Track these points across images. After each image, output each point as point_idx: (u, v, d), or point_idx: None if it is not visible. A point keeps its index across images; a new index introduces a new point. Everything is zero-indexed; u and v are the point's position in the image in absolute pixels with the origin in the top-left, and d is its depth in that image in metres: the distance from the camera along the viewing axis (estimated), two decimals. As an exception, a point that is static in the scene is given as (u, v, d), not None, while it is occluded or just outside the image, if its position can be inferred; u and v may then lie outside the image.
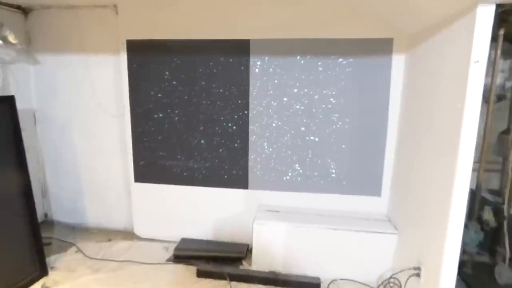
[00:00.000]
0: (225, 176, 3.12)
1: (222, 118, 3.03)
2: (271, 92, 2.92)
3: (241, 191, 3.11)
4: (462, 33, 1.78)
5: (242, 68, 2.92)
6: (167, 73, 3.03)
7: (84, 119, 3.36)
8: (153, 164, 3.20)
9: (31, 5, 3.22)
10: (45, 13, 3.24)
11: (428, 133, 2.19)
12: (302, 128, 2.93)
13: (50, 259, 2.92)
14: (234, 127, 3.03)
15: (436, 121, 2.08)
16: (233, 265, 2.89)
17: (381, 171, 2.86)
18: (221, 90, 2.99)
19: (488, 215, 2.40)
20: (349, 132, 2.86)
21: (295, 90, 2.88)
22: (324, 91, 2.83)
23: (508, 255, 2.23)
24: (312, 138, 2.93)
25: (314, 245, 2.71)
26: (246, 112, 2.98)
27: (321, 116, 2.88)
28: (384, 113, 2.77)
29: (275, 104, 2.94)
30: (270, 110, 2.96)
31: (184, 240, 3.18)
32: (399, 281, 2.37)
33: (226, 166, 3.10)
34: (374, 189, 2.89)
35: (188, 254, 2.97)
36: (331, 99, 2.84)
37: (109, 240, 3.31)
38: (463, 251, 2.29)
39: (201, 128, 3.07)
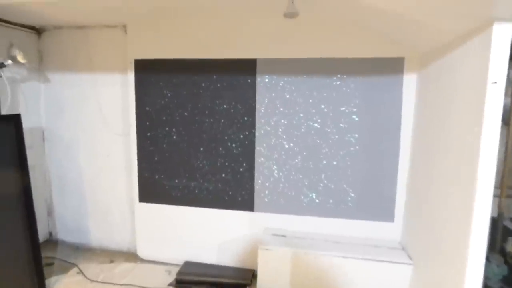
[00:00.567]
0: (230, 198, 3.02)
1: (226, 138, 2.96)
2: (281, 109, 2.84)
3: (246, 214, 3.00)
4: (477, 52, 1.69)
5: (249, 83, 2.86)
6: (173, 92, 3.01)
7: (90, 138, 3.36)
8: (158, 184, 3.14)
9: (44, 26, 3.30)
10: (57, 33, 3.30)
11: (444, 156, 2.05)
12: (313, 150, 2.81)
13: (51, 281, 2.86)
14: (239, 148, 2.95)
15: (451, 144, 1.96)
16: (237, 292, 2.76)
17: (393, 194, 2.71)
18: (225, 106, 2.93)
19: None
20: (360, 154, 2.74)
21: (305, 109, 2.79)
22: (334, 112, 2.73)
23: (535, 291, 2.04)
24: (323, 160, 2.81)
25: (322, 273, 2.56)
26: (252, 131, 2.91)
27: (331, 137, 2.77)
28: (396, 134, 2.65)
29: (285, 122, 2.85)
30: (280, 130, 2.86)
31: (187, 264, 3.07)
32: (414, 317, 2.20)
33: (231, 189, 3.01)
34: (386, 214, 2.74)
35: (191, 279, 2.86)
36: (341, 119, 2.73)
37: (112, 261, 3.24)
38: (485, 286, 2.11)
39: (205, 148, 3.01)
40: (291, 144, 2.86)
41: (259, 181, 2.94)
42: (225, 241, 3.07)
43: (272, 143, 2.89)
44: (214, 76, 2.91)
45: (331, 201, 2.83)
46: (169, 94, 3.02)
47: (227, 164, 2.98)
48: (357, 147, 2.73)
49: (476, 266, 1.69)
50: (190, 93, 2.98)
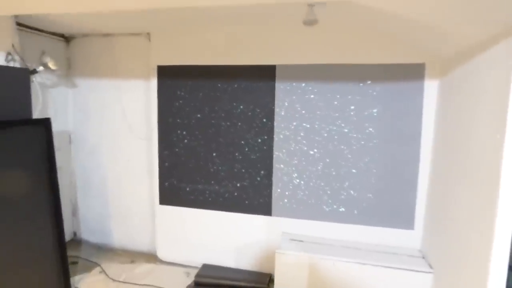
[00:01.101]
0: (248, 202, 3.06)
1: (244, 142, 3.00)
2: (302, 112, 2.86)
3: (264, 218, 3.03)
4: (500, 58, 1.67)
5: (268, 89, 2.90)
6: (193, 97, 3.08)
7: (113, 141, 3.48)
8: (178, 187, 3.21)
9: (73, 34, 3.46)
10: (84, 40, 3.45)
11: (465, 164, 2.03)
12: (334, 156, 2.81)
13: (75, 279, 2.97)
14: (257, 154, 2.99)
15: (473, 151, 1.93)
16: (255, 295, 2.79)
17: (414, 202, 2.68)
18: (244, 111, 2.98)
19: (536, 256, 2.16)
20: (380, 160, 2.72)
21: (325, 114, 2.80)
22: (354, 118, 2.74)
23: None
24: (342, 166, 2.80)
25: (340, 279, 2.55)
26: (270, 140, 2.95)
27: (352, 144, 2.77)
28: (417, 141, 2.62)
29: (307, 126, 2.86)
30: (300, 135, 2.88)
31: (205, 266, 3.12)
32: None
33: (249, 194, 3.05)
34: (406, 221, 2.70)
35: (209, 281, 2.90)
36: (361, 126, 2.73)
37: (133, 261, 3.33)
38: (508, 296, 2.06)
39: (224, 153, 3.06)
40: (312, 150, 2.87)
41: (278, 190, 2.97)
42: (242, 244, 3.11)
43: (292, 149, 2.91)
44: (234, 82, 2.97)
45: (350, 207, 2.82)
46: (190, 99, 3.09)
47: (245, 169, 3.03)
48: (377, 154, 2.72)
49: (498, 275, 1.65)
50: (211, 99, 3.04)
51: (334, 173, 2.84)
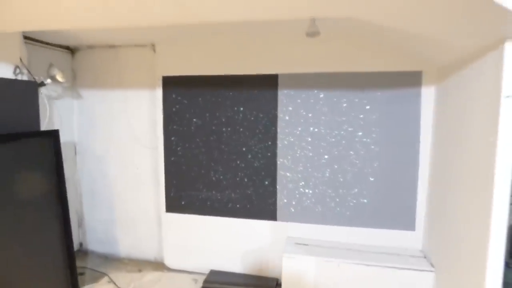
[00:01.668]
0: (253, 208, 3.13)
1: (248, 150, 3.08)
2: (301, 121, 2.96)
3: (270, 223, 3.10)
4: (491, 67, 1.79)
5: (271, 97, 3.00)
6: (197, 106, 3.17)
7: (119, 151, 3.54)
8: (184, 195, 3.28)
9: (78, 46, 3.53)
10: (89, 52, 3.53)
11: (461, 166, 2.14)
12: (336, 161, 2.91)
13: (84, 289, 3.00)
14: (261, 161, 3.07)
15: (468, 154, 2.05)
16: (262, 300, 2.85)
17: (414, 204, 2.79)
18: (249, 118, 3.06)
19: (531, 252, 2.27)
20: (381, 165, 2.83)
21: (326, 122, 2.91)
22: (354, 124, 2.85)
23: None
24: (345, 171, 2.90)
25: (345, 281, 2.63)
26: (274, 147, 3.04)
27: (354, 149, 2.87)
28: (416, 145, 2.74)
29: (311, 132, 2.95)
30: (309, 138, 2.95)
31: (212, 272, 3.17)
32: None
33: (254, 200, 3.12)
34: (407, 222, 2.81)
35: (217, 287, 2.96)
36: (362, 132, 2.84)
37: (140, 270, 3.36)
38: (506, 291, 2.16)
39: (229, 160, 3.14)
40: (317, 156, 2.95)
41: (284, 201, 3.06)
42: (249, 250, 3.17)
43: (297, 155, 3.00)
44: (238, 91, 3.06)
45: (353, 210, 2.91)
46: (194, 109, 3.18)
47: (249, 176, 3.11)
48: (378, 158, 2.83)
49: (495, 271, 1.76)
50: (214, 107, 3.13)
51: (338, 178, 2.93)
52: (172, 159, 3.27)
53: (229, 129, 3.12)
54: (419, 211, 2.78)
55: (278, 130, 3.01)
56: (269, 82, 2.99)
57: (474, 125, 1.99)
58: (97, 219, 3.69)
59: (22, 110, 2.72)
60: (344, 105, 2.85)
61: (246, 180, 3.12)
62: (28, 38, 2.97)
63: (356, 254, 2.72)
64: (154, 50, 3.26)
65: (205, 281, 3.03)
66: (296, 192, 3.02)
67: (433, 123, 2.68)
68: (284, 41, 2.90)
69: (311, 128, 2.94)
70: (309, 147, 2.96)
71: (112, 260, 3.57)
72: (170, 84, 3.21)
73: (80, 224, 3.73)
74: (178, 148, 3.25)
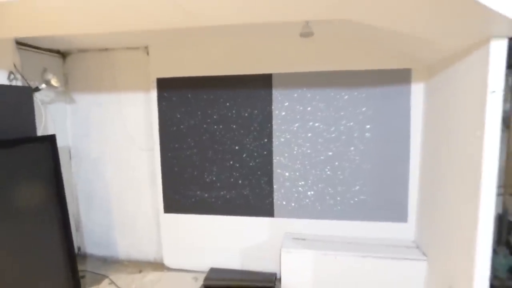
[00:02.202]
0: (251, 206, 3.20)
1: (245, 148, 3.14)
2: (297, 117, 3.03)
3: (267, 219, 3.18)
4: (477, 65, 1.89)
5: (266, 95, 3.07)
6: (193, 107, 3.21)
7: (115, 154, 3.55)
8: (181, 195, 3.32)
9: (69, 49, 3.51)
10: (81, 56, 3.51)
11: (450, 159, 2.25)
12: (330, 157, 3.00)
13: (85, 292, 3.02)
14: (257, 160, 3.14)
15: (457, 147, 2.15)
16: (263, 294, 2.92)
17: (406, 197, 2.90)
18: (245, 116, 3.12)
19: (517, 239, 2.40)
20: (373, 160, 2.93)
21: (320, 119, 2.99)
22: (347, 120, 2.94)
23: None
24: (338, 166, 3.00)
25: (343, 272, 2.73)
26: (270, 144, 3.10)
27: (345, 144, 2.96)
28: (406, 140, 2.85)
29: (307, 129, 3.02)
30: (303, 135, 3.03)
31: (212, 270, 3.23)
32: (432, 309, 2.36)
33: (252, 198, 3.19)
34: (400, 215, 2.92)
35: (218, 284, 3.02)
36: (354, 128, 2.94)
37: (140, 271, 3.40)
38: (494, 277, 2.27)
39: (226, 160, 3.20)
40: (314, 153, 3.03)
41: (280, 200, 3.14)
42: (247, 246, 3.24)
43: (295, 152, 3.07)
44: (233, 91, 3.11)
45: (348, 205, 3.01)
46: (188, 109, 3.22)
47: (246, 175, 3.17)
48: (371, 153, 2.93)
49: (484, 258, 1.87)
50: (209, 107, 3.17)
51: (334, 174, 3.01)
52: (169, 160, 3.31)
53: (224, 128, 3.17)
54: (411, 203, 2.90)
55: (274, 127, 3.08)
56: (264, 82, 3.05)
57: (462, 119, 2.09)
58: (95, 223, 3.69)
59: (18, 116, 2.71)
60: (336, 103, 2.94)
61: (242, 179, 3.18)
62: (20, 43, 2.95)
63: (352, 247, 2.82)
64: (148, 53, 3.28)
65: (206, 279, 3.09)
66: (294, 190, 3.10)
67: (422, 119, 2.79)
68: (277, 41, 2.96)
69: (304, 127, 3.03)
70: (307, 144, 3.03)
71: (111, 263, 3.58)
72: (165, 86, 3.24)
73: (78, 228, 3.73)
74: (174, 149, 3.28)
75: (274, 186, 3.13)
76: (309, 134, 3.01)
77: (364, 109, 2.90)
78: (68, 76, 3.57)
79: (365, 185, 2.97)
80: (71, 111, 3.61)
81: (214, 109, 3.17)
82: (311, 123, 3.00)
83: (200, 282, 3.09)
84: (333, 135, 2.98)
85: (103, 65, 3.46)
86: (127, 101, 3.44)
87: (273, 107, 3.06)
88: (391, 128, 2.87)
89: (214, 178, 3.25)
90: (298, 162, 3.06)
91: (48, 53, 3.39)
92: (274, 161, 3.10)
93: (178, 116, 3.25)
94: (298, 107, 3.01)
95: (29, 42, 3.09)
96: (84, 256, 3.72)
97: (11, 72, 2.77)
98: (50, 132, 3.24)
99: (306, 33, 2.39)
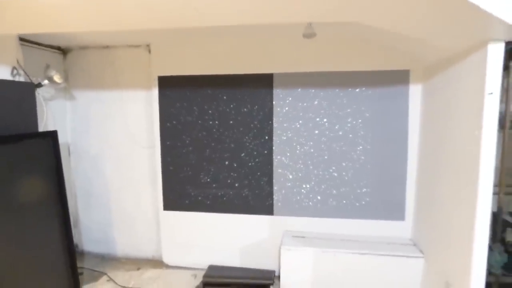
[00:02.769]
0: (250, 203, 3.24)
1: (245, 146, 3.18)
2: (300, 115, 3.07)
3: (266, 217, 3.21)
4: (475, 67, 1.95)
5: (267, 95, 3.11)
6: (194, 105, 3.24)
7: (115, 151, 3.55)
8: (181, 193, 3.34)
9: (70, 46, 3.52)
10: (82, 53, 3.52)
11: (448, 158, 2.31)
12: (330, 156, 3.05)
13: (84, 288, 3.02)
14: (256, 159, 3.18)
15: (454, 147, 2.21)
16: (262, 291, 2.95)
17: (403, 195, 2.96)
18: (246, 117, 3.16)
19: (510, 236, 2.47)
20: (372, 159, 2.99)
21: (316, 119, 3.05)
22: (347, 120, 2.99)
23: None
24: (338, 166, 3.05)
25: (342, 270, 2.78)
26: (270, 143, 3.14)
27: (344, 144, 3.02)
28: (404, 140, 2.91)
29: (309, 127, 3.07)
30: (306, 134, 3.07)
31: (211, 267, 3.25)
32: (429, 304, 2.41)
33: (251, 196, 3.23)
34: (397, 213, 2.98)
35: (217, 281, 3.04)
36: (354, 127, 2.99)
37: (139, 268, 3.40)
38: (489, 273, 2.34)
39: (226, 157, 3.23)
40: (316, 152, 3.08)
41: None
42: (246, 244, 3.27)
43: (297, 152, 3.11)
44: (234, 90, 3.15)
45: (347, 203, 3.07)
46: (189, 107, 3.24)
47: (247, 172, 3.21)
48: (370, 153, 2.99)
49: (480, 255, 1.93)
50: (209, 106, 3.21)
51: (333, 173, 3.07)
52: (169, 157, 3.33)
53: (225, 126, 3.21)
54: (408, 202, 2.96)
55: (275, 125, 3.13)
56: (265, 81, 3.09)
57: (459, 120, 2.15)
58: (93, 220, 3.69)
59: (20, 111, 2.71)
60: (336, 103, 3.00)
61: (242, 176, 3.22)
62: (22, 39, 2.96)
63: (351, 244, 2.87)
64: (149, 51, 3.30)
65: (205, 275, 3.10)
66: (295, 190, 3.14)
67: (420, 119, 2.86)
68: (278, 41, 3.01)
69: (307, 125, 3.08)
70: (310, 143, 3.08)
71: (109, 260, 3.58)
72: (166, 84, 3.26)
73: (75, 225, 3.72)
74: (175, 147, 3.31)
75: (274, 186, 3.17)
76: (311, 133, 3.06)
77: (362, 109, 2.96)
78: (69, 72, 3.57)
79: (363, 184, 3.02)
80: (71, 107, 3.61)
81: (214, 107, 3.21)
82: (310, 124, 3.06)
83: (199, 279, 3.10)
84: (331, 134, 3.03)
85: (104, 63, 3.47)
86: (128, 99, 3.46)
87: (274, 104, 3.11)
88: (389, 128, 2.93)
89: (214, 176, 3.27)
90: (300, 161, 3.11)
91: (49, 49, 3.39)
92: (276, 158, 3.15)
93: (179, 114, 3.27)
94: (300, 104, 3.06)
95: (32, 39, 3.10)
96: (82, 253, 3.71)
97: (14, 68, 2.76)
98: (49, 128, 3.24)
99: (309, 34, 2.44)
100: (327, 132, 3.04)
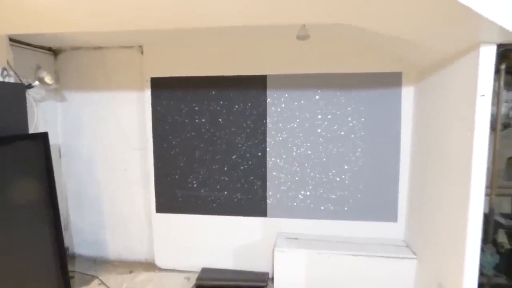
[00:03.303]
0: (244, 205, 3.22)
1: (238, 148, 3.17)
2: (293, 117, 3.07)
3: (260, 219, 3.20)
4: (467, 69, 1.96)
5: (260, 96, 3.10)
6: (187, 107, 3.22)
7: (107, 153, 3.51)
8: (174, 195, 3.31)
9: (61, 47, 3.47)
10: (73, 53, 3.48)
11: (440, 159, 2.32)
12: (323, 158, 3.05)
13: (75, 292, 2.97)
14: (249, 162, 3.17)
15: (447, 148, 2.22)
16: (256, 294, 2.93)
17: (396, 197, 2.98)
18: (238, 119, 3.15)
19: (502, 237, 2.50)
20: (364, 161, 3.00)
21: (311, 119, 3.04)
22: (338, 122, 3.00)
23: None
24: (331, 168, 3.05)
25: (335, 271, 2.78)
26: (263, 145, 3.14)
27: (338, 146, 3.02)
28: (397, 141, 2.93)
29: (303, 128, 3.07)
30: (301, 135, 3.07)
31: (205, 270, 3.23)
32: (422, 305, 2.42)
33: (244, 198, 3.22)
34: (390, 215, 2.99)
35: (211, 284, 3.02)
36: (345, 129, 3.00)
37: (131, 272, 3.36)
38: (481, 274, 2.35)
39: (219, 160, 3.21)
40: (305, 152, 3.08)
41: (274, 202, 3.18)
42: (239, 246, 3.26)
43: (294, 154, 3.10)
44: (227, 91, 3.14)
45: (340, 205, 3.07)
46: (182, 109, 3.22)
47: (240, 175, 3.20)
48: (362, 155, 3.00)
49: (473, 256, 1.94)
50: (203, 107, 3.19)
51: (327, 175, 3.07)
52: (161, 159, 3.30)
53: (218, 127, 3.19)
54: (401, 203, 2.98)
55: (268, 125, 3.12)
56: (258, 83, 3.08)
57: (452, 121, 2.16)
58: (84, 222, 3.64)
59: (10, 112, 2.66)
60: (328, 105, 3.00)
61: (235, 178, 3.21)
62: (13, 40, 2.91)
63: (344, 246, 2.87)
64: (142, 52, 3.28)
65: (198, 278, 3.08)
66: (290, 194, 3.14)
67: (413, 120, 2.87)
68: (272, 42, 3.01)
69: (296, 127, 3.07)
70: (305, 145, 3.07)
71: (101, 263, 3.54)
72: (159, 85, 3.24)
73: (66, 228, 3.66)
74: (168, 149, 3.28)
75: (267, 185, 3.17)
76: (307, 134, 3.06)
77: (355, 111, 2.97)
78: (60, 73, 3.53)
79: (356, 186, 3.03)
80: (62, 109, 3.56)
81: (205, 107, 3.19)
82: (307, 124, 3.06)
83: (192, 282, 3.08)
84: (328, 135, 3.04)
85: (96, 64, 3.43)
86: (120, 100, 3.42)
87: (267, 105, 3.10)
88: (381, 129, 2.95)
89: (208, 178, 3.25)
90: (296, 164, 3.10)
91: (40, 50, 3.35)
92: (270, 161, 3.14)
93: (172, 115, 3.25)
94: (296, 103, 3.07)
95: (23, 39, 3.05)
96: (73, 257, 3.66)
97: (4, 69, 2.72)
98: (40, 130, 3.19)
99: (303, 36, 2.44)
100: (323, 133, 3.04)
